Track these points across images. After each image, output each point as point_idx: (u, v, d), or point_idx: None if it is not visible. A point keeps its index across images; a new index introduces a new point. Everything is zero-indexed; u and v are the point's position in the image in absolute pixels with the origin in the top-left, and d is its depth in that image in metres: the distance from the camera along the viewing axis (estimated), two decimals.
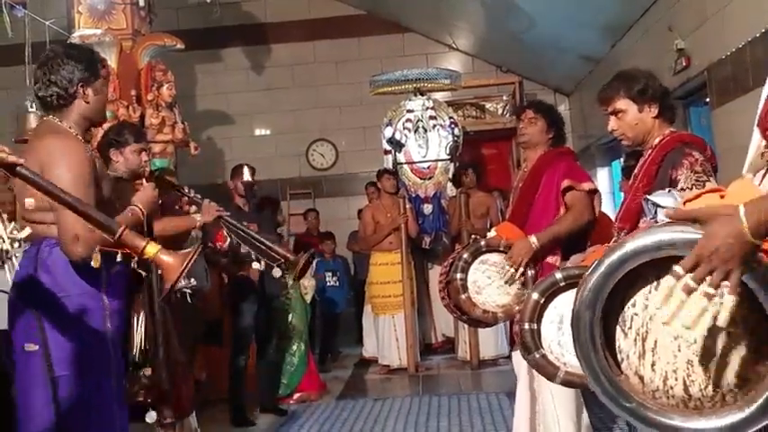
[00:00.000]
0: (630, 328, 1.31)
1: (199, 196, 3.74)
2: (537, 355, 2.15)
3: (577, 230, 3.16)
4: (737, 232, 1.12)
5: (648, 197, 1.42)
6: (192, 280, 3.70)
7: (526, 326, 2.16)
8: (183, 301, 3.55)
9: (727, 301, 1.13)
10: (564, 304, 2.15)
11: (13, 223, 1.79)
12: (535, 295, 2.18)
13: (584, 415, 3.21)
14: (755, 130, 1.39)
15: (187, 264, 1.89)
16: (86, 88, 2.40)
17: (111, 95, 5.36)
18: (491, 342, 6.31)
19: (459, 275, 3.16)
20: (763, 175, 1.35)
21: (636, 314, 1.30)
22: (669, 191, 1.48)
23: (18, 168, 1.77)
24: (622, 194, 3.20)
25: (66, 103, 2.39)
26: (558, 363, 2.13)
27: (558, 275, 2.18)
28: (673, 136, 2.42)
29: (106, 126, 3.54)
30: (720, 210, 1.17)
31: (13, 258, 1.98)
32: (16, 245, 1.77)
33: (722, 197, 1.28)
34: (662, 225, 1.30)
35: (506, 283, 3.14)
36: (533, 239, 3.12)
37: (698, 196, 1.31)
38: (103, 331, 2.34)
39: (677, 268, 1.16)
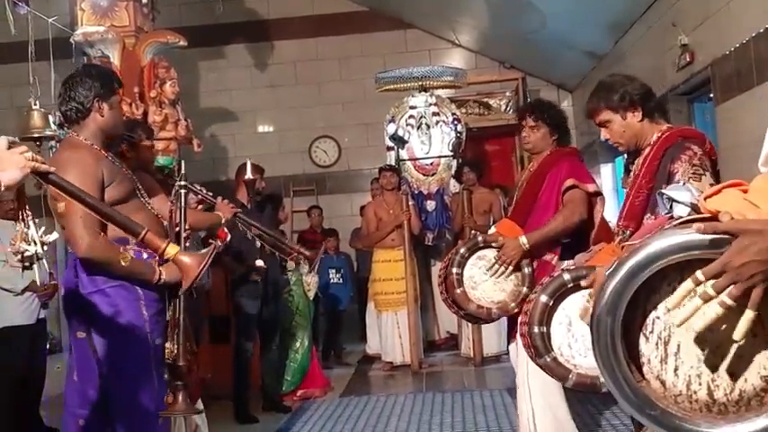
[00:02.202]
0: (652, 331, 1.26)
1: (212, 194, 3.76)
2: (548, 359, 2.13)
3: (572, 229, 3.15)
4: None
5: (663, 191, 1.38)
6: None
7: (536, 329, 2.14)
8: (189, 296, 3.56)
9: (746, 315, 1.11)
10: (572, 306, 2.14)
11: (43, 228, 1.89)
12: (544, 297, 2.16)
13: (565, 409, 3.21)
14: None
15: (205, 264, 2.04)
16: (101, 103, 2.62)
17: None
18: (494, 339, 6.31)
19: (455, 270, 3.18)
20: None
21: (658, 317, 1.26)
22: (684, 184, 1.45)
23: (50, 176, 1.87)
24: (625, 191, 3.18)
25: (83, 117, 2.62)
26: (569, 365, 2.11)
27: (567, 276, 2.16)
28: (672, 131, 2.41)
29: None
30: (753, 223, 1.13)
31: (44, 260, 2.19)
32: (45, 248, 1.89)
33: (744, 191, 1.24)
34: (683, 224, 1.25)
35: (493, 275, 3.16)
36: (523, 240, 3.14)
37: (718, 191, 1.26)
38: (139, 318, 2.53)
39: (699, 275, 1.14)
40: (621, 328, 1.25)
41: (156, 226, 2.58)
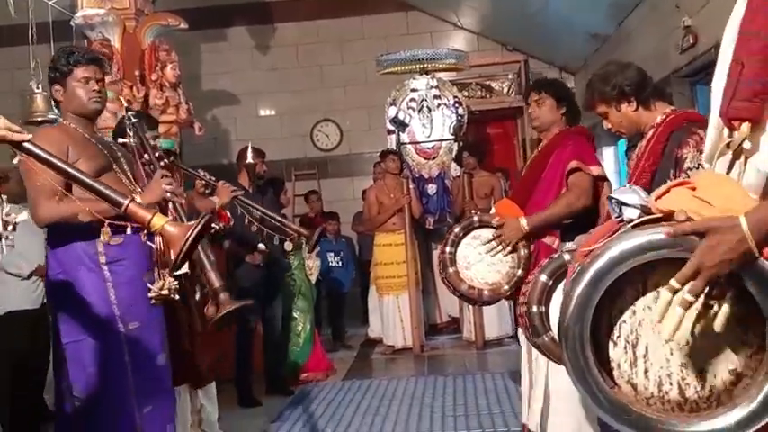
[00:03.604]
0: (620, 336, 1.26)
1: (213, 178, 3.76)
2: (546, 338, 2.15)
3: (573, 214, 3.09)
4: (742, 246, 1.10)
5: (612, 195, 1.38)
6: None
7: (534, 308, 2.15)
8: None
9: (724, 308, 1.12)
10: None
11: (9, 206, 1.83)
12: (543, 277, 2.17)
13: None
14: (716, 119, 1.34)
15: (192, 232, 1.90)
16: (56, 86, 2.66)
17: (115, 76, 5.34)
18: (496, 322, 6.33)
19: (448, 249, 3.18)
20: (730, 165, 1.31)
21: (624, 321, 1.26)
22: (630, 187, 1.45)
23: (24, 145, 1.81)
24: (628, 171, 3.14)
25: (57, 104, 2.72)
26: None
27: (567, 257, 2.17)
28: (678, 114, 2.40)
29: (115, 110, 3.63)
30: (719, 221, 1.13)
31: (7, 239, 2.19)
32: (10, 227, 1.83)
33: (693, 189, 1.25)
34: (639, 226, 1.25)
35: (489, 253, 3.13)
36: (523, 222, 3.09)
37: (667, 191, 1.27)
38: (105, 302, 2.48)
39: (674, 283, 1.13)
40: (590, 335, 1.25)
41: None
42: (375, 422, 4.21)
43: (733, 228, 1.11)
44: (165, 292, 2.62)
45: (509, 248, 3.11)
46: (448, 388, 4.89)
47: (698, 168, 2.16)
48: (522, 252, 3.09)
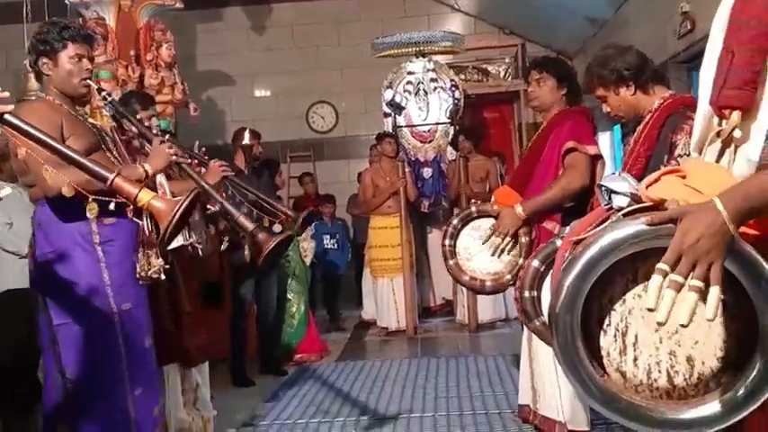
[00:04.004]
0: (609, 324, 1.27)
1: (207, 157, 3.74)
2: (537, 323, 2.17)
3: (572, 196, 3.05)
4: (717, 224, 1.11)
5: (602, 183, 1.38)
6: (199, 235, 3.72)
7: (527, 293, 2.18)
8: (193, 257, 3.57)
9: (712, 293, 1.12)
10: None
11: None
12: (535, 263, 2.19)
13: None
14: (705, 108, 1.34)
15: (179, 207, 1.86)
16: (44, 60, 2.53)
17: (110, 55, 5.32)
18: (489, 306, 6.37)
19: (447, 242, 3.17)
20: (719, 154, 1.32)
21: (614, 310, 1.26)
22: (620, 174, 1.44)
23: (5, 117, 1.76)
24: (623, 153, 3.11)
25: (39, 78, 2.58)
26: None
27: (559, 242, 2.18)
28: (675, 99, 2.40)
29: (111, 89, 3.59)
30: (695, 205, 1.15)
31: None
32: None
33: (683, 177, 1.25)
34: (630, 215, 1.26)
35: (493, 253, 3.12)
36: (519, 209, 3.04)
37: (657, 179, 1.27)
38: (99, 283, 2.43)
39: (662, 266, 1.14)
40: (580, 324, 1.25)
41: None
42: (368, 403, 4.25)
43: (707, 208, 1.12)
44: (152, 272, 2.62)
45: (508, 239, 3.07)
46: (441, 370, 4.93)
47: (688, 155, 2.16)
48: (524, 240, 3.05)
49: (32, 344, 4.21)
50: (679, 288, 1.13)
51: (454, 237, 3.15)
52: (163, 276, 2.74)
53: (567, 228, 2.89)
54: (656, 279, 1.14)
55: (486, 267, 3.13)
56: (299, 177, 7.94)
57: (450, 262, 3.16)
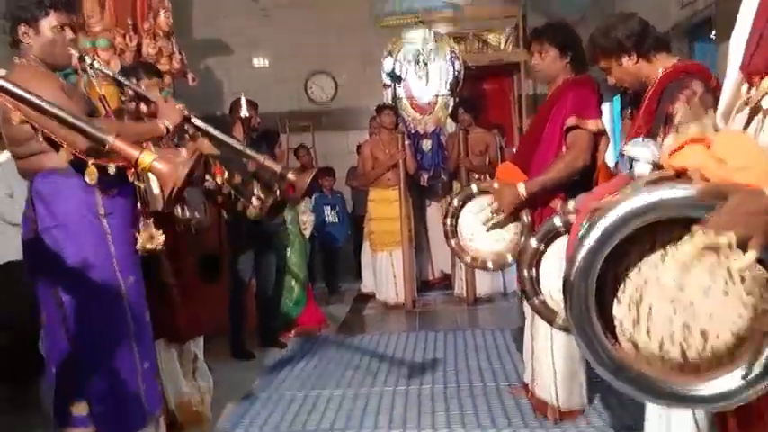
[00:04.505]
0: (624, 294, 1.25)
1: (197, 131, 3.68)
2: (536, 301, 2.17)
3: (574, 175, 3.00)
4: (764, 213, 1.08)
5: (623, 149, 1.35)
6: (196, 213, 3.71)
7: (525, 273, 2.17)
8: (187, 233, 3.56)
9: (749, 256, 1.10)
10: (563, 250, 2.15)
11: None
12: (533, 242, 2.19)
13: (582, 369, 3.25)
14: (734, 75, 1.31)
15: (183, 170, 1.82)
16: (25, 27, 2.41)
17: (107, 23, 5.24)
18: (487, 280, 6.39)
19: (448, 221, 3.14)
20: (747, 122, 1.28)
21: (629, 279, 1.24)
22: (644, 140, 1.41)
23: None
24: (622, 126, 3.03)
25: (16, 45, 2.45)
26: (558, 308, 2.14)
27: (557, 222, 2.17)
28: (676, 67, 2.35)
29: (108, 58, 3.53)
30: (743, 186, 1.12)
31: None
32: None
33: (708, 147, 1.21)
34: (653, 182, 1.23)
35: (489, 229, 3.08)
36: (521, 189, 2.98)
37: (681, 147, 1.23)
38: (106, 255, 2.39)
39: (700, 238, 1.11)
40: (594, 295, 1.23)
41: None
42: (367, 375, 4.27)
43: (757, 194, 1.10)
44: (155, 244, 2.60)
45: (507, 216, 3.02)
46: (439, 343, 4.95)
47: (687, 125, 2.12)
48: (525, 219, 3.01)
49: (33, 316, 4.25)
50: (716, 248, 1.11)
51: (455, 216, 3.13)
52: (164, 248, 2.73)
53: (570, 204, 2.88)
54: (698, 239, 1.12)
55: (488, 247, 3.10)
56: (295, 150, 7.87)
57: (452, 242, 3.14)
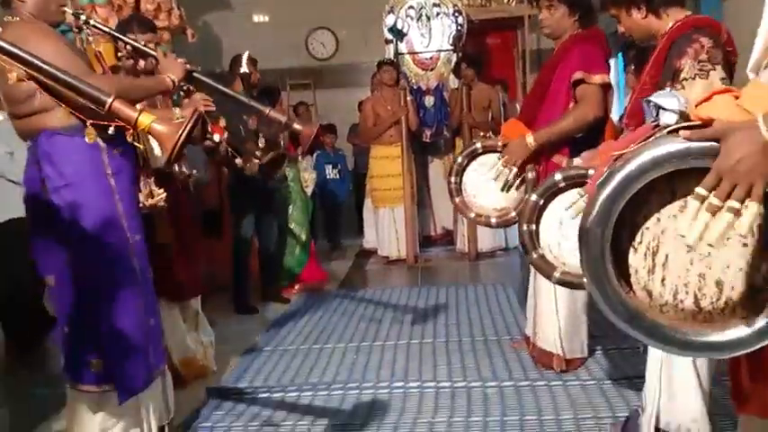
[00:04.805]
0: (641, 242, 1.25)
1: (192, 88, 3.65)
2: (534, 256, 2.18)
3: (583, 128, 2.98)
4: (760, 143, 1.07)
5: (650, 98, 1.33)
6: (195, 171, 3.71)
7: (524, 227, 2.18)
8: (185, 190, 3.56)
9: (750, 208, 1.10)
10: (564, 205, 2.15)
11: None
12: (534, 197, 2.19)
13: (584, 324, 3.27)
14: (766, 27, 1.29)
15: (183, 131, 1.80)
16: None
17: None
18: (489, 235, 6.41)
19: (452, 179, 3.14)
20: None
21: (647, 228, 1.25)
22: (671, 90, 1.39)
23: None
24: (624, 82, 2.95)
25: (6, 4, 2.37)
26: (557, 263, 2.15)
27: (558, 176, 2.17)
28: (686, 21, 2.31)
29: (107, 14, 3.48)
30: (737, 124, 1.11)
31: None
32: None
33: (736, 98, 1.20)
34: (674, 133, 1.21)
35: (503, 188, 3.09)
36: (530, 139, 2.98)
37: (709, 98, 1.22)
38: (115, 214, 2.38)
39: (700, 190, 1.12)
40: (610, 242, 1.23)
41: None
42: (369, 329, 4.32)
43: (751, 127, 1.09)
44: (156, 201, 2.60)
45: (515, 170, 3.02)
46: (440, 298, 4.99)
47: (693, 79, 2.10)
48: (530, 175, 3.01)
49: (35, 274, 4.28)
50: (716, 212, 1.12)
51: (459, 173, 3.13)
52: (165, 204, 2.73)
53: (575, 160, 2.87)
54: (692, 204, 1.13)
55: (492, 204, 3.11)
56: (295, 107, 7.81)
57: (456, 199, 3.15)
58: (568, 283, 2.16)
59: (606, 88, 3.02)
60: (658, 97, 1.30)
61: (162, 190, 2.99)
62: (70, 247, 2.35)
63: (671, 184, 1.22)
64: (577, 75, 2.98)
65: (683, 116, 1.26)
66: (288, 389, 3.33)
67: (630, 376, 3.11)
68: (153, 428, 2.59)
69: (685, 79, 2.11)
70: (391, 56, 6.90)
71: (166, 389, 2.73)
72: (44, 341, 4.43)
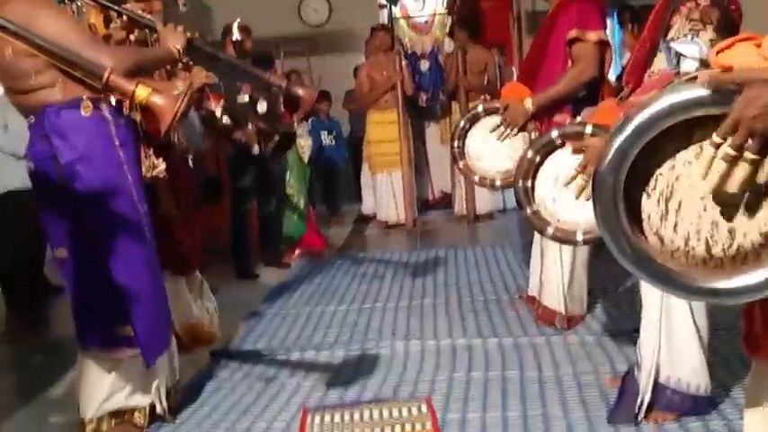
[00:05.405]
0: (654, 188, 1.26)
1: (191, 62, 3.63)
2: (529, 211, 2.21)
3: (581, 88, 3.00)
4: None
5: (671, 44, 1.32)
6: (192, 141, 3.70)
7: (520, 183, 2.20)
8: (183, 161, 3.56)
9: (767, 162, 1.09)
10: (560, 162, 2.17)
11: None
12: (529, 153, 2.21)
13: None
14: None
15: (181, 103, 1.80)
16: None
17: None
18: (487, 197, 6.43)
19: (455, 143, 3.16)
20: None
21: (661, 174, 1.25)
22: (692, 38, 1.38)
23: None
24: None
25: None
26: (552, 219, 2.18)
27: (554, 133, 2.18)
28: None
29: None
30: (756, 73, 1.10)
31: None
32: None
33: (758, 45, 1.19)
34: (693, 80, 1.20)
35: (501, 141, 3.10)
36: (528, 103, 3.01)
37: (730, 45, 1.21)
38: (125, 185, 2.38)
39: (716, 138, 1.11)
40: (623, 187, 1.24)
41: None
42: (370, 291, 4.37)
43: None
44: (157, 172, 2.60)
45: (516, 131, 3.04)
46: (440, 260, 5.03)
47: (684, 38, 2.09)
48: (532, 135, 3.03)
49: (35, 242, 4.30)
50: (731, 161, 1.11)
51: (462, 137, 3.15)
52: (167, 175, 2.72)
53: (578, 118, 2.88)
54: (708, 150, 1.12)
55: (496, 166, 3.13)
56: (287, 74, 7.74)
57: (460, 163, 3.18)
58: (560, 239, 2.19)
59: (603, 45, 3.03)
60: (679, 44, 1.29)
61: (161, 160, 2.99)
62: (84, 218, 2.36)
63: (688, 131, 1.21)
64: (573, 33, 2.98)
65: (704, 64, 1.25)
66: (291, 350, 3.38)
67: (629, 332, 3.15)
68: (161, 390, 2.64)
69: (672, 39, 2.10)
70: (385, 20, 6.85)
71: (173, 353, 2.78)
72: (44, 310, 4.48)
